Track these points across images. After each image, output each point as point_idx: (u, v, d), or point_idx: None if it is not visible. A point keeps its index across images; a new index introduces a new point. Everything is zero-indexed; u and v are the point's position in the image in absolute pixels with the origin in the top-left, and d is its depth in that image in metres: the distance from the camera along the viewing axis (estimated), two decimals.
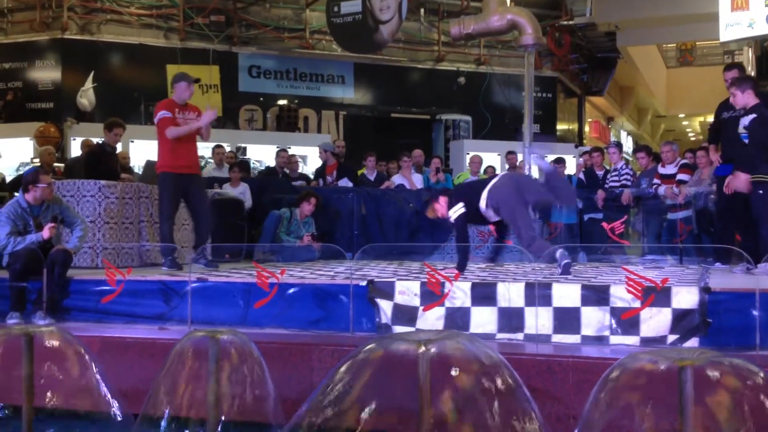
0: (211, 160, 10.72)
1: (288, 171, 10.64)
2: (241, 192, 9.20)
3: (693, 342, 4.47)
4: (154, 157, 7.22)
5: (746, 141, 6.20)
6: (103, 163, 7.93)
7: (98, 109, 13.21)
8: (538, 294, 4.77)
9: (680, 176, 8.59)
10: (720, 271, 6.31)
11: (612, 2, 15.86)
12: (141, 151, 11.66)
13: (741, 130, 6.26)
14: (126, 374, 4.62)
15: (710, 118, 27.92)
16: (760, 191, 6.08)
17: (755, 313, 4.33)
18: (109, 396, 3.83)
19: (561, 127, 18.23)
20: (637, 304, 4.57)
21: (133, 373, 4.67)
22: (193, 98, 7.17)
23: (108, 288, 5.54)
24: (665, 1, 15.43)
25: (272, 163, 11.49)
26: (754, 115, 6.14)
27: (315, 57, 15.37)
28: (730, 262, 6.60)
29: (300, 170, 11.51)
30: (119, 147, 8.76)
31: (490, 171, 11.71)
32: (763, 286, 4.50)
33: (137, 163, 11.22)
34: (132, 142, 12.02)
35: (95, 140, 9.63)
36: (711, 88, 22.56)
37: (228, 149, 11.46)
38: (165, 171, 6.81)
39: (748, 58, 20.12)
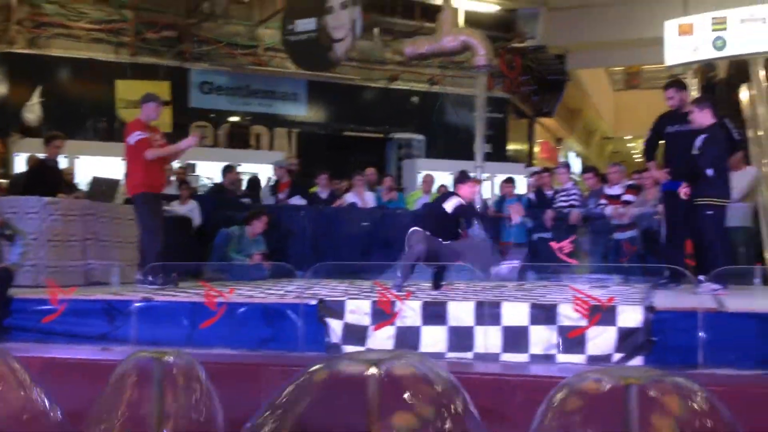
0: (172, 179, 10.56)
1: (234, 189, 10.58)
2: (190, 209, 9.09)
3: (638, 360, 4.53)
4: (101, 174, 7.11)
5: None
6: (46, 178, 7.76)
7: (45, 124, 12.94)
8: (488, 313, 4.79)
9: (626, 197, 8.77)
10: (675, 291, 6.39)
11: (562, 26, 16.19)
12: (87, 167, 11.43)
13: (695, 150, 6.36)
14: (68, 396, 4.49)
15: None
16: (710, 212, 6.20)
17: (698, 332, 4.41)
18: (50, 418, 3.71)
19: (512, 147, 18.47)
20: (583, 322, 4.62)
21: (74, 394, 4.53)
22: None
23: (50, 307, 5.40)
24: (613, 25, 15.80)
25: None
26: (706, 135, 6.25)
27: (268, 74, 15.32)
28: (681, 281, 6.69)
29: (244, 188, 11.43)
30: (65, 162, 8.59)
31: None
32: (706, 306, 4.59)
33: (84, 179, 11.00)
34: (78, 158, 11.78)
35: (41, 156, 9.43)
36: (656, 111, 23.09)
37: (177, 166, 11.32)
38: (145, 191, 6.74)
39: (693, 81, 20.62)
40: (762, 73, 19.06)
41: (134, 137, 6.70)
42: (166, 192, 9.63)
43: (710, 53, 13.90)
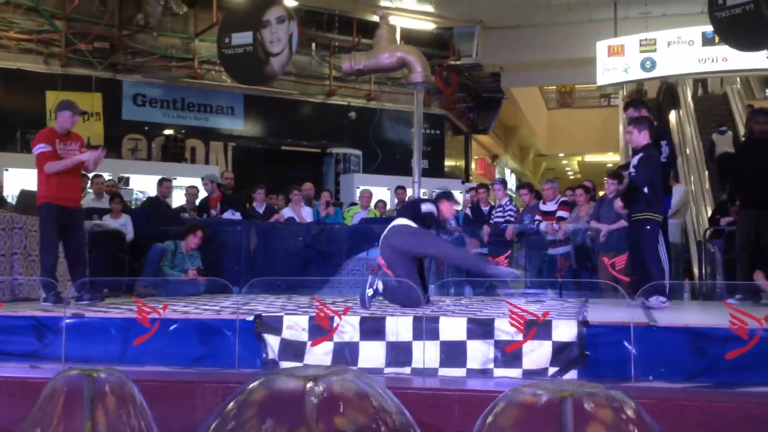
0: (90, 191, 10.31)
1: (169, 202, 10.42)
2: (123, 224, 8.89)
3: (572, 374, 4.59)
4: (30, 186, 6.89)
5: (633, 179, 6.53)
6: None
7: None
8: (426, 328, 4.80)
9: (560, 213, 8.94)
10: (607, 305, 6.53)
11: (496, 45, 16.48)
12: (16, 179, 11.09)
13: (631, 168, 6.58)
14: None
15: (588, 158, 29.14)
16: (647, 227, 6.41)
17: (630, 345, 4.51)
18: None
19: (449, 163, 18.67)
20: (519, 337, 4.67)
21: (2, 414, 4.38)
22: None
23: None
24: (546, 45, 16.17)
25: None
26: (641, 155, 6.48)
27: (204, 87, 15.16)
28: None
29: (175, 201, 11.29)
30: None
31: (381, 205, 11.82)
32: (637, 320, 4.70)
33: (12, 192, 10.66)
34: (6, 170, 11.42)
35: None
36: (588, 130, 23.78)
37: (109, 179, 11.09)
38: (47, 202, 6.51)
39: (623, 100, 21.26)
40: (690, 94, 19.80)
41: (36, 149, 6.53)
42: (99, 206, 9.44)
43: (640, 74, 14.36)
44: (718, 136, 13.85)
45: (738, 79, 19.89)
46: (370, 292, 6.14)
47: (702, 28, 13.16)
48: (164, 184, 10.60)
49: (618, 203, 6.59)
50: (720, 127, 13.96)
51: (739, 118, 16.13)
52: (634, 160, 6.55)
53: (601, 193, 9.31)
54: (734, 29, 9.28)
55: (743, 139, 8.18)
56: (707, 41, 13.44)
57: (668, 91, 17.60)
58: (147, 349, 5.05)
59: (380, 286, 6.17)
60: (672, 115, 17.68)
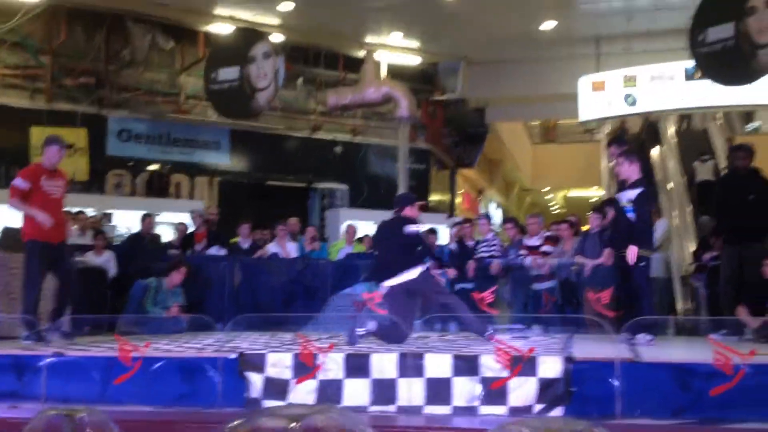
0: (74, 227, 10.24)
1: (152, 238, 10.38)
2: (105, 260, 8.83)
3: (558, 411, 4.57)
4: (13, 224, 6.85)
5: (629, 214, 6.49)
6: None
7: None
8: (411, 365, 4.77)
9: (544, 248, 8.95)
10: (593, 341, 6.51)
11: (481, 80, 16.64)
12: (0, 216, 10.98)
13: (625, 202, 6.55)
14: None
15: (572, 193, 29.26)
16: (642, 264, 6.40)
17: (615, 382, 4.49)
18: None
19: (434, 198, 18.70)
20: (505, 373, 4.64)
21: None
22: None
23: None
24: (530, 81, 16.34)
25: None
26: (641, 189, 6.46)
27: (190, 122, 15.16)
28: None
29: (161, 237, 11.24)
30: None
31: (367, 241, 11.80)
32: (623, 356, 4.69)
33: None
34: None
35: None
36: (572, 164, 23.93)
37: (92, 215, 11.03)
38: (34, 239, 6.52)
39: (606, 135, 21.46)
40: (672, 129, 20.04)
41: (14, 181, 6.59)
42: (82, 242, 9.37)
43: (622, 109, 14.51)
44: (699, 164, 14.14)
45: (720, 114, 20.17)
46: (361, 331, 6.13)
47: (683, 64, 13.33)
48: (147, 220, 10.55)
49: (633, 255, 6.43)
50: (702, 155, 14.23)
51: (720, 152, 16.35)
52: (632, 196, 6.48)
53: (585, 228, 9.34)
54: (715, 64, 9.42)
55: (725, 172, 8.28)
56: (689, 77, 13.62)
57: (650, 128, 17.82)
58: (128, 389, 4.98)
59: (372, 326, 6.16)
60: (654, 152, 17.87)
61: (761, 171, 7.69)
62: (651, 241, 6.55)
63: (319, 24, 14.59)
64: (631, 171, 6.60)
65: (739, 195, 7.56)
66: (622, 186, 6.68)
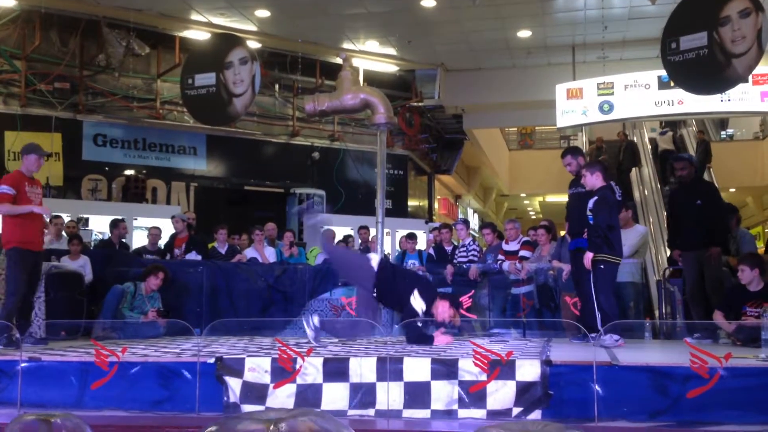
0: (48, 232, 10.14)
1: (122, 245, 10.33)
2: (81, 265, 8.74)
3: (536, 414, 4.59)
4: None
5: (591, 222, 6.61)
6: None
7: None
8: (390, 369, 4.77)
9: (522, 253, 9.01)
10: (583, 344, 6.55)
11: (458, 87, 16.71)
12: None
13: (588, 212, 6.67)
14: None
15: (549, 198, 29.48)
16: (601, 266, 6.49)
17: (593, 385, 4.52)
18: None
19: (412, 203, 18.74)
20: (483, 377, 4.66)
21: None
22: None
23: None
24: (507, 88, 16.45)
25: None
26: (596, 197, 6.59)
27: (166, 127, 15.07)
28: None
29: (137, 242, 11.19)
30: None
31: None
32: (600, 359, 4.72)
33: None
34: None
35: None
36: (548, 170, 24.09)
37: (68, 219, 10.92)
38: (17, 247, 6.60)
39: (582, 141, 21.69)
40: (649, 135, 20.27)
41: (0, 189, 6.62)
42: (57, 247, 9.28)
43: (598, 116, 14.63)
44: (659, 136, 14.76)
45: (694, 121, 20.45)
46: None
47: (658, 72, 13.48)
48: (120, 225, 10.47)
49: (587, 261, 6.57)
50: (663, 128, 14.83)
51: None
52: (590, 204, 6.65)
53: (562, 233, 9.40)
54: (687, 73, 9.52)
55: (674, 186, 8.50)
56: (663, 85, 13.78)
57: (628, 149, 18.09)
58: (105, 393, 4.95)
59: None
60: (633, 173, 18.23)
61: (704, 178, 7.87)
62: (615, 245, 6.61)
63: (296, 31, 14.58)
64: (593, 180, 6.74)
65: (687, 203, 7.72)
66: (589, 195, 6.80)
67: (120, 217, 10.90)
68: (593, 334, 5.99)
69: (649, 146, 19.51)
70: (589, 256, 6.52)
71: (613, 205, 6.67)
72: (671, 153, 18.00)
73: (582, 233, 6.81)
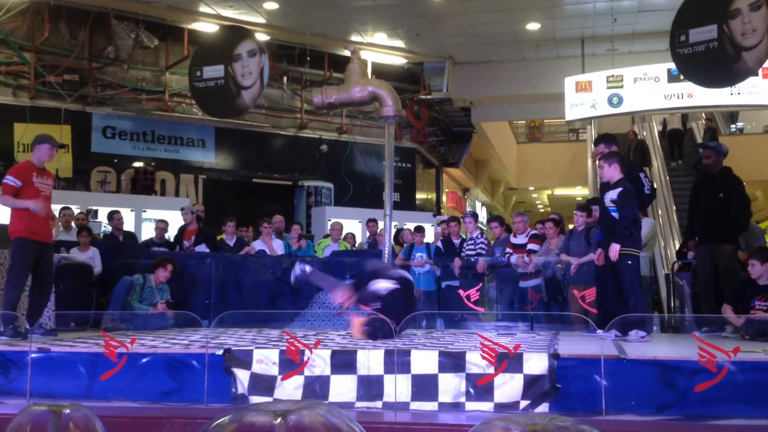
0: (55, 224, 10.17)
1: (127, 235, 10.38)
2: (90, 257, 8.78)
3: (543, 407, 4.60)
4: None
5: (613, 213, 6.56)
6: None
7: None
8: (398, 361, 4.78)
9: (530, 246, 8.99)
10: (591, 338, 6.53)
11: (467, 80, 16.68)
12: None
13: (608, 203, 6.62)
14: None
15: (558, 191, 29.40)
16: (629, 262, 6.46)
17: (600, 378, 4.52)
18: None
19: (420, 196, 18.73)
20: (491, 370, 4.67)
21: None
22: None
23: None
24: (515, 81, 16.40)
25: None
26: (620, 189, 6.53)
27: (174, 120, 15.09)
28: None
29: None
30: None
31: (350, 238, 11.81)
32: (608, 353, 4.72)
33: None
34: None
35: None
36: (556, 164, 24.06)
37: (77, 211, 10.96)
38: (21, 236, 6.52)
39: (591, 135, 21.62)
40: (658, 128, 20.18)
41: (5, 179, 6.61)
42: (67, 238, 9.31)
43: (607, 110, 14.58)
44: (669, 116, 14.77)
45: (703, 114, 20.35)
46: (296, 273, 6.46)
47: (667, 65, 13.41)
48: (115, 217, 10.48)
49: (614, 253, 6.51)
50: None
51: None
52: (614, 195, 6.57)
53: (570, 226, 9.39)
54: (697, 66, 9.46)
55: (698, 168, 8.35)
56: (672, 78, 13.71)
57: (638, 149, 18.00)
58: (114, 384, 4.98)
59: (307, 269, 6.38)
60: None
61: (732, 171, 7.77)
62: (638, 239, 6.59)
63: (304, 23, 14.57)
64: (611, 172, 6.69)
65: (709, 194, 7.64)
66: (606, 188, 6.76)
67: (116, 209, 10.89)
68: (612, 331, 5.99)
69: (659, 142, 19.41)
70: (616, 248, 6.44)
71: (636, 198, 6.64)
72: (679, 132, 18.74)
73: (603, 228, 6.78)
